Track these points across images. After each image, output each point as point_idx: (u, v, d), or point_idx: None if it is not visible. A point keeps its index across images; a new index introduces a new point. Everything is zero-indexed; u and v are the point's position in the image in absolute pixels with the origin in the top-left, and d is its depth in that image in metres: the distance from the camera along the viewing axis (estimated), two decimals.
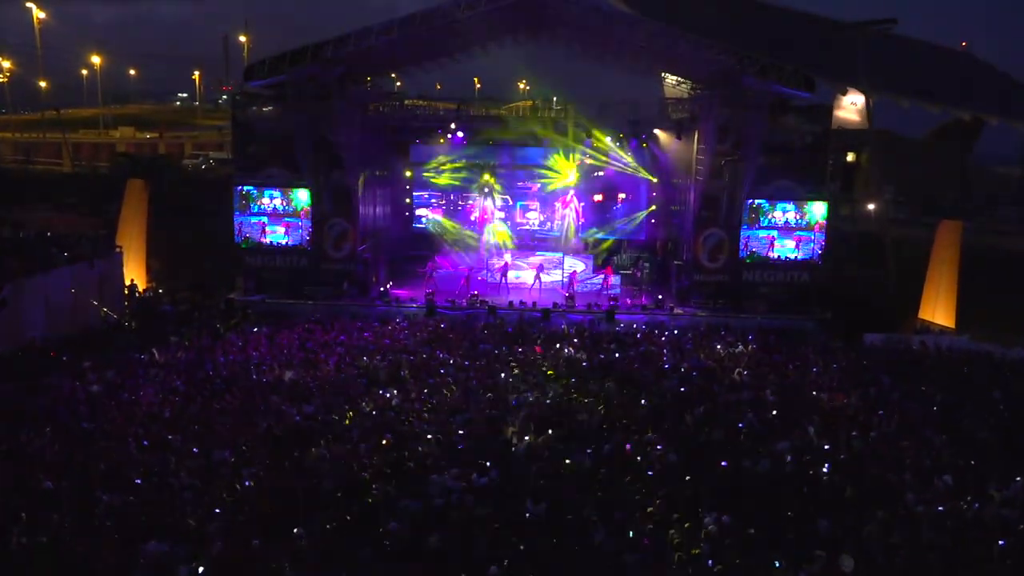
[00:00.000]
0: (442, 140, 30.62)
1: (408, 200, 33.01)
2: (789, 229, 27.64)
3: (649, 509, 12.37)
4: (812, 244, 27.57)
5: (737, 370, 20.36)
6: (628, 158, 30.81)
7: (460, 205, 33.01)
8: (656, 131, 30.08)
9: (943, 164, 55.68)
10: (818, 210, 27.41)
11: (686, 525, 11.75)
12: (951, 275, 26.12)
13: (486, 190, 32.17)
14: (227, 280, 28.48)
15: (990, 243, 35.25)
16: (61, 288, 22.23)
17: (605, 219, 32.78)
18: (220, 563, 10.46)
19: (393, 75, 36.22)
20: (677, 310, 27.13)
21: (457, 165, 32.01)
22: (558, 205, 32.04)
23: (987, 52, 65.76)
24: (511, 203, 33.23)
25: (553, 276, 29.72)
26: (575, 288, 28.38)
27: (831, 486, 13.58)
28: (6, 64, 69.38)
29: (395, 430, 15.61)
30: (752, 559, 10.84)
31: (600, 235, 32.37)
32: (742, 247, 27.67)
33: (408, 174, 31.96)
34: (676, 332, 24.38)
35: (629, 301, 27.89)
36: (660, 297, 27.71)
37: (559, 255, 30.83)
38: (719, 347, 22.64)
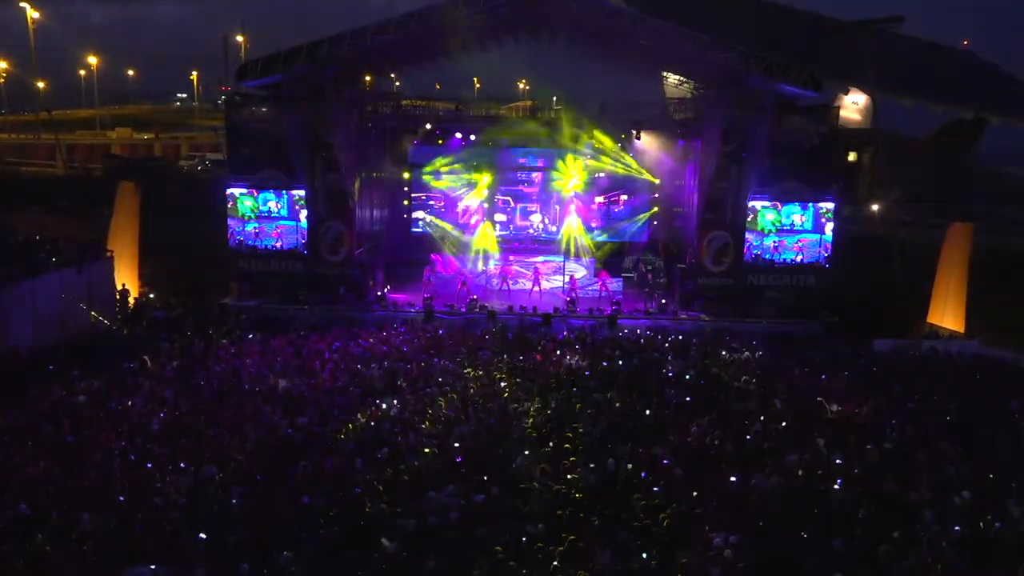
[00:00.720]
0: (440, 141, 30.03)
1: (406, 202, 32.43)
2: (795, 232, 27.08)
3: (655, 529, 11.84)
4: (819, 247, 27.00)
5: (744, 377, 19.80)
6: (629, 159, 30.24)
7: (457, 207, 32.46)
8: (660, 132, 29.47)
9: (945, 164, 55.13)
10: (825, 212, 26.83)
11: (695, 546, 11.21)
12: (960, 278, 25.56)
13: (485, 192, 31.69)
14: (222, 285, 27.90)
15: (996, 244, 34.60)
16: (49, 295, 21.67)
17: (606, 221, 32.17)
18: None
19: (392, 75, 35.73)
20: (681, 315, 26.55)
21: (456, 167, 31.45)
22: (565, 207, 31.43)
23: (987, 51, 65.28)
24: (513, 205, 32.68)
25: (554, 282, 29.17)
26: (576, 292, 27.82)
27: (844, 503, 13.02)
28: (2, 65, 68.80)
29: (390, 443, 15.07)
30: None
31: (601, 238, 31.76)
32: (747, 250, 27.09)
33: (406, 175, 31.38)
34: (680, 338, 23.83)
35: (641, 306, 27.24)
36: (663, 301, 27.14)
37: (560, 258, 30.24)
38: (724, 353, 22.07)
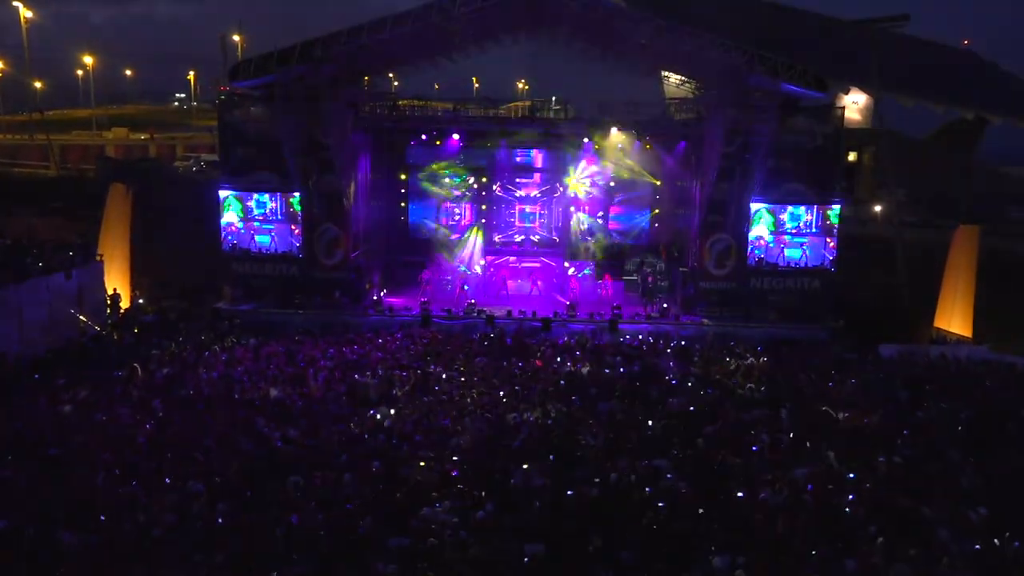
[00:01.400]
0: (438, 142, 29.52)
1: (403, 204, 31.90)
2: (799, 234, 26.58)
3: (660, 548, 11.33)
4: (823, 250, 26.49)
5: (748, 385, 19.30)
6: (630, 161, 29.70)
7: (454, 209, 32.02)
8: (660, 132, 28.93)
9: (946, 164, 54.69)
10: (830, 214, 26.34)
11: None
12: (968, 282, 25.11)
13: (483, 193, 31.24)
14: (215, 288, 27.39)
15: (1001, 246, 34.05)
16: (36, 300, 21.18)
17: (607, 224, 31.63)
18: None
19: (391, 75, 35.19)
20: (683, 319, 26.05)
21: (455, 169, 30.98)
22: (572, 209, 30.94)
23: (988, 51, 65.00)
24: (512, 206, 32.19)
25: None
26: (577, 296, 27.33)
27: (856, 520, 12.51)
28: None
29: (385, 456, 14.56)
30: None
31: (604, 239, 31.25)
32: (750, 253, 26.58)
33: (403, 177, 30.85)
34: (683, 343, 23.35)
35: (642, 310, 26.74)
36: (665, 306, 26.63)
37: (559, 260, 29.77)
38: (728, 359, 21.57)
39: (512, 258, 29.79)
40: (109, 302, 25.04)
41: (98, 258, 24.50)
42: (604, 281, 28.22)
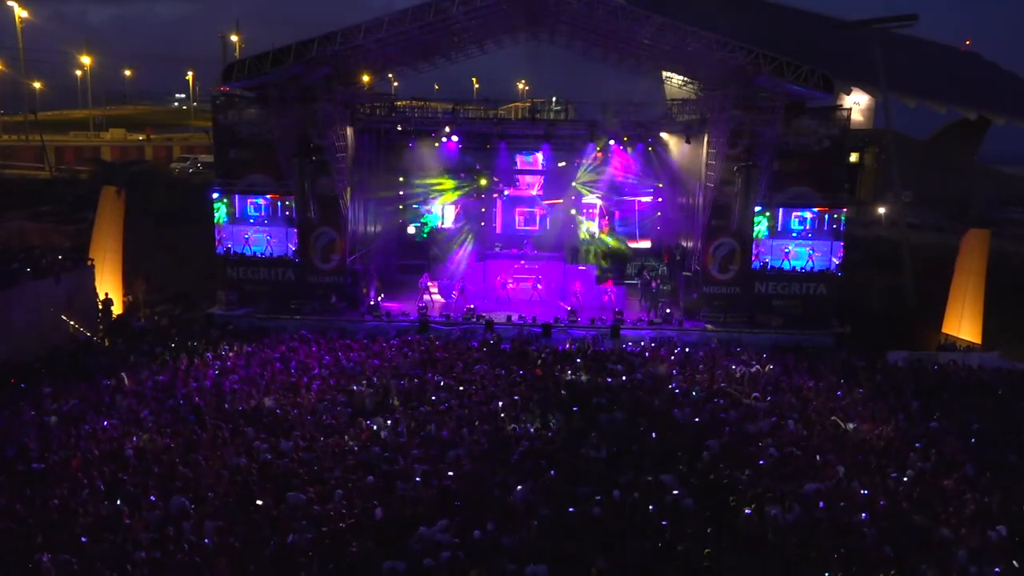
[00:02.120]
0: (437, 143, 28.99)
1: (401, 207, 31.36)
2: (805, 238, 26.06)
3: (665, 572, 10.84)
4: (829, 254, 25.95)
5: (754, 394, 18.78)
6: (632, 163, 29.19)
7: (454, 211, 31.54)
8: (663, 134, 28.42)
9: (948, 165, 54.18)
10: (836, 218, 25.80)
11: None
12: (977, 287, 24.57)
13: (482, 196, 30.74)
14: (210, 293, 26.87)
15: (1008, 249, 33.54)
16: (24, 306, 20.66)
17: (608, 227, 31.12)
18: None
19: (391, 75, 34.68)
20: (686, 325, 25.51)
21: (455, 171, 30.47)
22: (573, 212, 30.38)
23: (989, 52, 64.56)
24: (512, 209, 31.69)
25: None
26: (579, 301, 26.80)
27: (870, 539, 11.99)
28: None
29: (379, 470, 14.05)
30: None
31: (603, 244, 30.72)
32: (754, 257, 26.05)
33: (401, 179, 30.31)
34: (687, 350, 22.82)
35: (645, 316, 26.21)
36: (668, 311, 26.09)
37: (560, 264, 29.23)
38: (733, 367, 21.05)
39: (522, 262, 29.20)
40: (101, 307, 24.50)
41: (89, 263, 23.95)
42: (605, 286, 27.66)
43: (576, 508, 12.57)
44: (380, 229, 29.89)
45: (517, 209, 31.87)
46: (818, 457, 15.10)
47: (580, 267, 29.19)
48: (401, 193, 30.65)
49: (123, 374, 18.77)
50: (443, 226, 31.66)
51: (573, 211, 30.62)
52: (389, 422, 16.56)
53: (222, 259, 26.48)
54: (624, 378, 19.82)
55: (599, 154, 28.89)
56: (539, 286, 28.62)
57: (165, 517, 12.17)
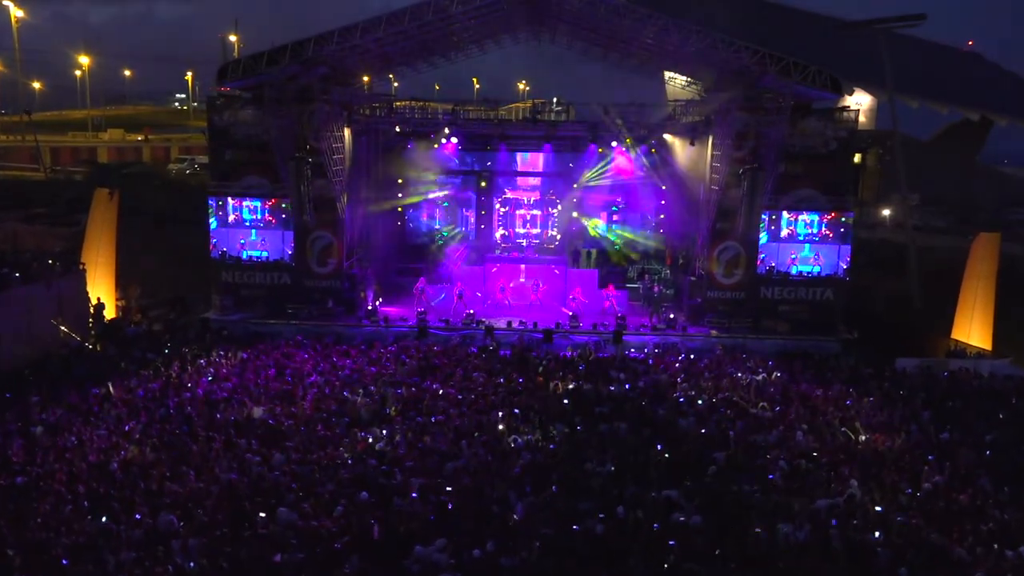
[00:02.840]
0: (436, 145, 28.51)
1: (400, 209, 30.86)
2: (811, 242, 25.56)
3: None
4: (836, 258, 25.45)
5: (761, 404, 18.29)
6: (634, 164, 28.68)
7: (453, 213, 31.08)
8: (666, 136, 27.91)
9: (951, 166, 53.71)
10: (843, 221, 25.31)
11: None
12: (987, 292, 24.08)
13: (482, 198, 30.28)
14: (205, 298, 26.39)
15: (1016, 252, 32.94)
16: (13, 312, 20.16)
17: (610, 230, 30.60)
18: None
19: (391, 76, 34.17)
20: (690, 330, 25.01)
21: (454, 173, 30.01)
22: (574, 214, 29.89)
23: (991, 52, 64.17)
24: (512, 211, 31.19)
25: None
26: (580, 306, 26.30)
27: (884, 560, 11.50)
28: None
29: (375, 485, 13.55)
30: None
31: (605, 247, 30.21)
32: (760, 262, 25.55)
33: (400, 181, 29.82)
34: (691, 356, 22.34)
35: (647, 321, 25.72)
36: (671, 316, 25.58)
37: (562, 268, 28.72)
38: (739, 374, 20.56)
39: (523, 266, 28.72)
40: (93, 312, 24.01)
41: (80, 267, 23.47)
42: (607, 290, 27.14)
43: (578, 526, 12.06)
44: (378, 232, 29.37)
45: (518, 212, 31.36)
46: (829, 471, 14.63)
47: (581, 271, 28.70)
48: (400, 195, 30.14)
49: (111, 383, 18.24)
50: (443, 229, 31.15)
51: (574, 214, 30.11)
52: (385, 432, 16.10)
53: (217, 263, 26.00)
54: (627, 386, 19.33)
55: (601, 155, 28.38)
56: (540, 289, 28.10)
57: (151, 535, 11.68)
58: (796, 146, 24.47)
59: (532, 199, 31.13)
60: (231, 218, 26.11)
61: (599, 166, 28.86)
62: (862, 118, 52.31)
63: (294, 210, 25.34)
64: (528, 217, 31.33)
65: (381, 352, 21.97)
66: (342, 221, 25.88)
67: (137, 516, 12.13)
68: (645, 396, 18.66)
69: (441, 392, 18.55)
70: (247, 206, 26.08)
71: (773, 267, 25.62)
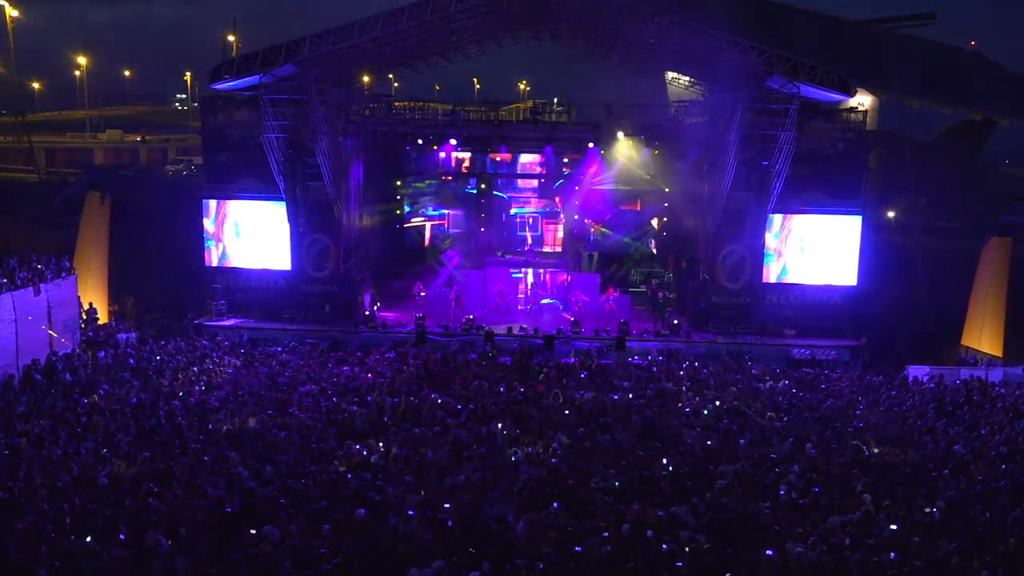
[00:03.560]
0: (436, 146, 28.00)
1: (399, 212, 30.35)
2: (818, 246, 25.01)
3: None
4: (844, 262, 24.91)
5: (768, 414, 17.75)
6: (637, 166, 28.16)
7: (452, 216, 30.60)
8: (668, 137, 27.37)
9: (953, 167, 53.13)
10: (852, 225, 24.78)
11: None
12: (999, 297, 23.63)
13: (482, 200, 29.78)
14: (199, 302, 25.87)
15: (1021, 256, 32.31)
16: (1, 318, 19.61)
17: (612, 233, 30.09)
18: None
19: (391, 76, 33.74)
20: (694, 336, 24.49)
21: (453, 175, 29.52)
22: (576, 217, 29.36)
23: (993, 52, 63.51)
24: (512, 214, 30.71)
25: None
26: (582, 311, 25.79)
27: None
28: None
29: (369, 501, 13.03)
30: None
31: (607, 251, 29.71)
32: (766, 266, 25.01)
33: (399, 183, 29.29)
34: (696, 363, 21.80)
35: (651, 326, 25.20)
36: (675, 322, 25.05)
37: (563, 271, 28.22)
38: (745, 382, 20.02)
39: (524, 270, 28.22)
40: (85, 318, 23.48)
41: (72, 271, 22.92)
42: (609, 294, 26.62)
43: (582, 547, 11.53)
44: (376, 235, 28.86)
45: (519, 214, 30.84)
46: (841, 485, 14.10)
47: (582, 274, 28.19)
48: (398, 198, 29.62)
49: (100, 392, 17.73)
50: (442, 232, 30.66)
51: (576, 216, 29.61)
52: (382, 445, 15.58)
53: (211, 267, 25.51)
54: (631, 395, 18.81)
55: (603, 156, 27.87)
56: (540, 293, 27.61)
57: (136, 555, 11.16)
58: (803, 147, 23.93)
59: (532, 201, 30.62)
60: (226, 221, 25.57)
61: (600, 167, 28.33)
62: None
63: (290, 213, 24.82)
64: (529, 220, 30.83)
65: (378, 358, 21.47)
66: (339, 224, 25.38)
67: (121, 536, 11.61)
68: (650, 406, 18.13)
69: (440, 401, 18.03)
70: (242, 209, 25.54)
71: (779, 271, 25.06)
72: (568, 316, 25.74)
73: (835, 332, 24.69)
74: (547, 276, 28.15)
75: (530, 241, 30.41)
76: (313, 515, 12.53)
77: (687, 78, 29.99)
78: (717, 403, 18.40)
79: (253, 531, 11.86)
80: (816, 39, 48.81)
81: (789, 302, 25.07)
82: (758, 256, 24.97)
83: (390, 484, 13.77)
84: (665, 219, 29.63)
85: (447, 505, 12.94)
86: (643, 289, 28.07)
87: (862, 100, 53.49)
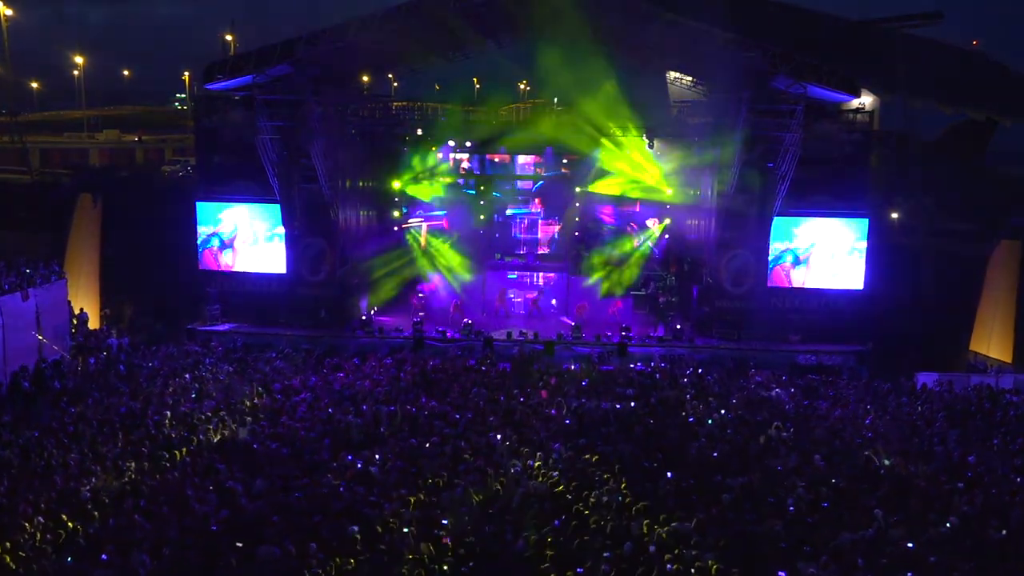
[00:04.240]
0: (435, 147, 27.54)
1: (397, 214, 29.88)
2: (825, 250, 24.54)
3: None
4: (851, 266, 24.45)
5: (775, 424, 17.27)
6: (638, 168, 27.66)
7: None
8: (671, 138, 26.90)
9: (954, 167, 52.67)
10: (858, 228, 24.31)
11: None
12: (1009, 302, 23.22)
13: (481, 202, 29.33)
14: (192, 306, 25.41)
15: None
16: None
17: (613, 234, 29.60)
18: None
19: (390, 76, 33.30)
20: (697, 341, 24.03)
21: (452, 176, 29.03)
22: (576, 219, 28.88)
23: (995, 52, 63.10)
24: (512, 216, 30.24)
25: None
26: (583, 315, 25.35)
27: None
28: None
29: (363, 517, 12.56)
30: None
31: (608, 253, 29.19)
32: (771, 270, 24.54)
33: (396, 185, 28.87)
34: (700, 370, 21.34)
35: (653, 331, 24.75)
36: (678, 327, 24.58)
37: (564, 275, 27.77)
38: (750, 390, 19.56)
39: (513, 273, 27.76)
40: (75, 323, 23.03)
41: (61, 275, 22.47)
42: (616, 306, 26.11)
43: (584, 570, 11.06)
44: (374, 238, 28.37)
45: (518, 216, 30.39)
46: (851, 500, 13.64)
47: (583, 278, 27.72)
48: (396, 200, 29.17)
49: (88, 401, 17.27)
50: (440, 235, 30.17)
51: (577, 219, 29.16)
52: (378, 456, 15.11)
53: (205, 271, 25.06)
54: (633, 404, 18.34)
55: (604, 157, 27.40)
56: (540, 297, 27.17)
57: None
58: (808, 149, 23.44)
59: (533, 203, 30.16)
60: (220, 224, 25.11)
61: (602, 169, 27.88)
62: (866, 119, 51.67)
63: (285, 216, 24.37)
64: (529, 221, 30.37)
65: (374, 365, 21.02)
66: (335, 227, 24.93)
67: (104, 556, 11.14)
68: (653, 415, 17.66)
69: (437, 411, 17.56)
70: (237, 211, 25.08)
71: (784, 275, 24.60)
72: (569, 321, 25.28)
73: (841, 337, 24.23)
74: (543, 279, 27.69)
75: (527, 245, 29.93)
76: (305, 532, 12.08)
77: (689, 78, 29.51)
78: (722, 412, 17.96)
79: (241, 545, 11.43)
80: (813, 39, 48.47)
81: (794, 307, 24.59)
82: (763, 260, 24.50)
83: (385, 500, 13.32)
84: (668, 220, 29.13)
85: (445, 521, 12.51)
86: (643, 292, 27.57)
87: (863, 100, 53.35)
